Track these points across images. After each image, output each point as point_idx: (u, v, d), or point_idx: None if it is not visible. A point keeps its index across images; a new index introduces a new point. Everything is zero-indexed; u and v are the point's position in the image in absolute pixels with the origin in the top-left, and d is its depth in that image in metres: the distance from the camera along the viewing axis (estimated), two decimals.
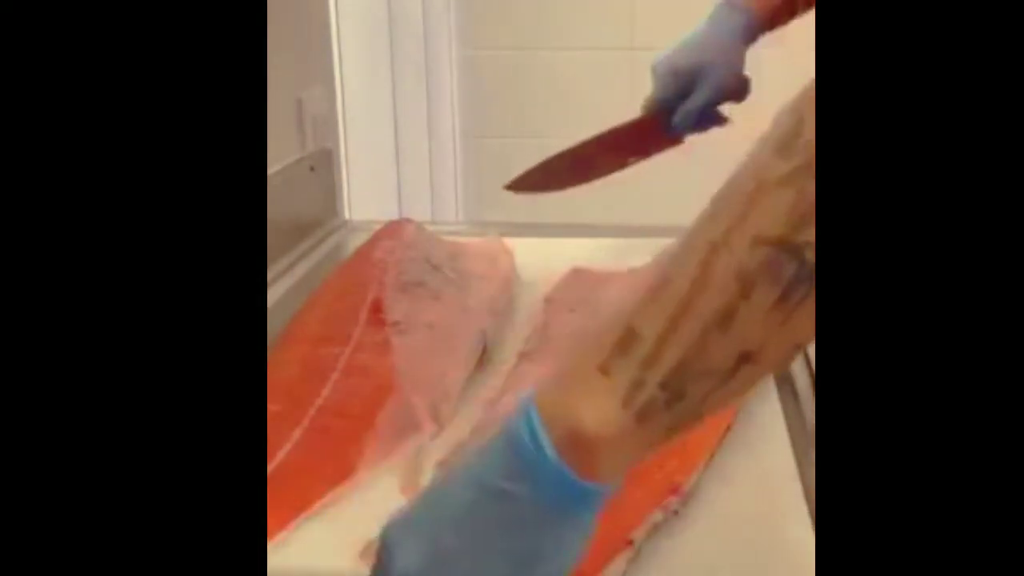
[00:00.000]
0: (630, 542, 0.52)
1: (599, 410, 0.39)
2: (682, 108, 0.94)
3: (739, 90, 0.95)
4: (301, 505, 0.58)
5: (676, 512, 0.56)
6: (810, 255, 0.38)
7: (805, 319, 0.38)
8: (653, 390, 0.38)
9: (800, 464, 0.61)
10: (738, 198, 0.39)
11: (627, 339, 0.39)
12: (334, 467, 0.61)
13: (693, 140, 0.96)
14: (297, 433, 0.63)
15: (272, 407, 0.65)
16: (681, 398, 0.38)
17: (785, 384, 0.73)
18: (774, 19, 0.96)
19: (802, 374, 0.75)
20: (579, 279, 0.91)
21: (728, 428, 0.64)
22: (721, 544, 0.54)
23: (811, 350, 0.76)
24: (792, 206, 0.38)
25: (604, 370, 0.39)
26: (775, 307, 0.37)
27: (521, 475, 0.40)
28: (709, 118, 0.95)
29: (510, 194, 1.01)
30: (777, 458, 0.62)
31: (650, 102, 0.96)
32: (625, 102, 0.97)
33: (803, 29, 0.77)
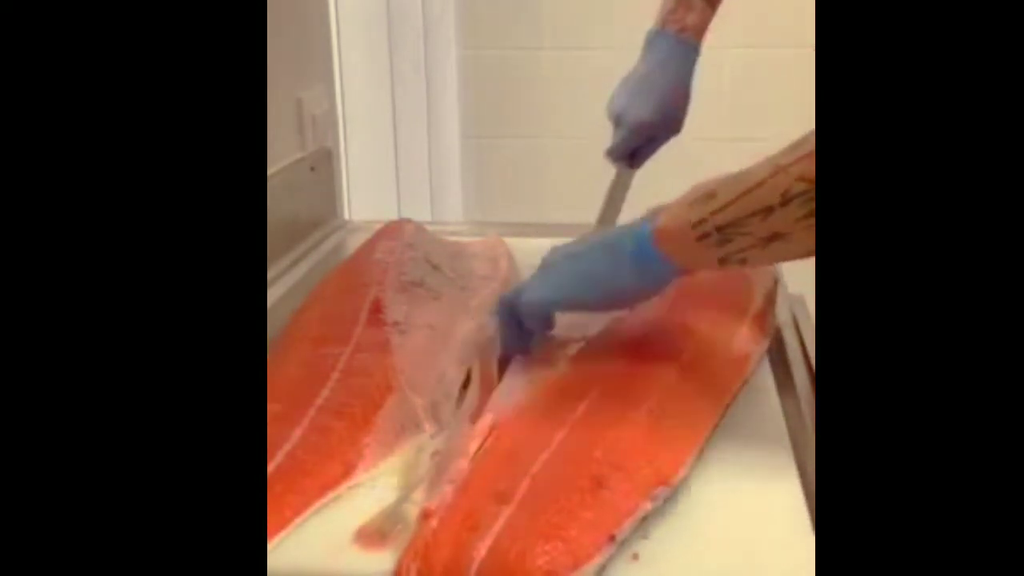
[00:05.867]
0: (612, 538, 0.52)
1: (678, 221, 0.63)
2: (643, 153, 0.99)
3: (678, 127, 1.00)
4: (301, 505, 0.58)
5: (664, 500, 0.56)
6: None
7: None
8: (711, 228, 0.61)
9: (800, 463, 0.61)
10: (805, 147, 0.57)
11: (709, 195, 0.61)
12: (334, 467, 0.61)
13: (691, 144, 0.96)
14: (297, 433, 0.63)
15: (272, 407, 0.65)
16: (729, 242, 0.61)
17: (785, 384, 0.73)
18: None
19: (802, 374, 0.75)
20: None
21: (716, 425, 0.65)
22: (721, 544, 0.54)
23: (811, 350, 0.76)
24: None
25: (689, 206, 0.63)
26: (803, 217, 0.57)
27: (627, 236, 0.66)
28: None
29: (510, 194, 1.02)
30: (777, 457, 0.62)
31: (619, 151, 0.98)
32: None
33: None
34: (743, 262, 0.62)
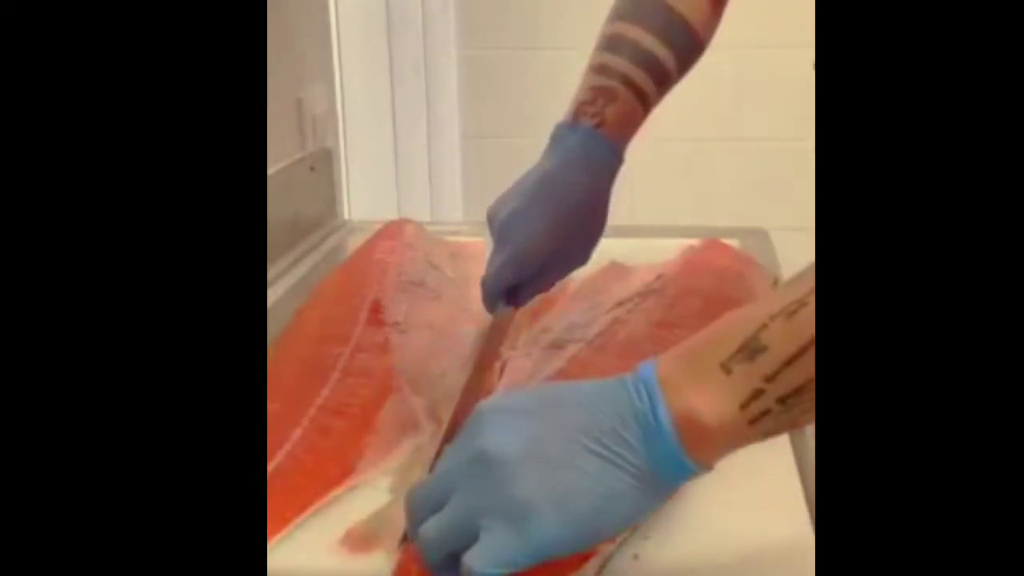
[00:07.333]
0: (611, 538, 0.52)
1: (718, 406, 0.42)
2: (530, 290, 0.71)
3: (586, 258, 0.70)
4: (301, 505, 0.58)
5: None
6: None
7: None
8: (771, 402, 0.41)
9: (800, 463, 0.61)
10: None
11: (755, 349, 0.41)
12: (334, 467, 0.61)
13: (691, 144, 0.95)
14: (297, 433, 0.63)
15: (272, 407, 0.65)
16: (787, 413, 0.42)
17: None
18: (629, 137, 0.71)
19: None
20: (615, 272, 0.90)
21: None
22: (721, 544, 0.54)
23: None
24: None
25: (727, 369, 0.42)
26: None
27: (635, 434, 0.43)
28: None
29: None
30: (777, 457, 0.62)
31: (497, 283, 0.68)
32: None
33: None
34: (796, 427, 0.43)
